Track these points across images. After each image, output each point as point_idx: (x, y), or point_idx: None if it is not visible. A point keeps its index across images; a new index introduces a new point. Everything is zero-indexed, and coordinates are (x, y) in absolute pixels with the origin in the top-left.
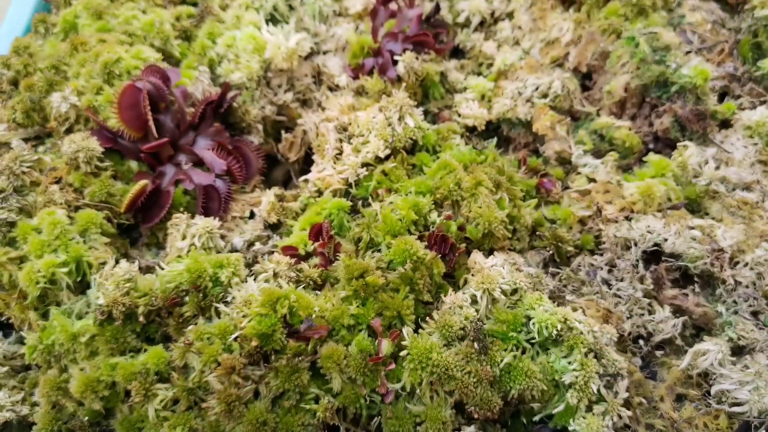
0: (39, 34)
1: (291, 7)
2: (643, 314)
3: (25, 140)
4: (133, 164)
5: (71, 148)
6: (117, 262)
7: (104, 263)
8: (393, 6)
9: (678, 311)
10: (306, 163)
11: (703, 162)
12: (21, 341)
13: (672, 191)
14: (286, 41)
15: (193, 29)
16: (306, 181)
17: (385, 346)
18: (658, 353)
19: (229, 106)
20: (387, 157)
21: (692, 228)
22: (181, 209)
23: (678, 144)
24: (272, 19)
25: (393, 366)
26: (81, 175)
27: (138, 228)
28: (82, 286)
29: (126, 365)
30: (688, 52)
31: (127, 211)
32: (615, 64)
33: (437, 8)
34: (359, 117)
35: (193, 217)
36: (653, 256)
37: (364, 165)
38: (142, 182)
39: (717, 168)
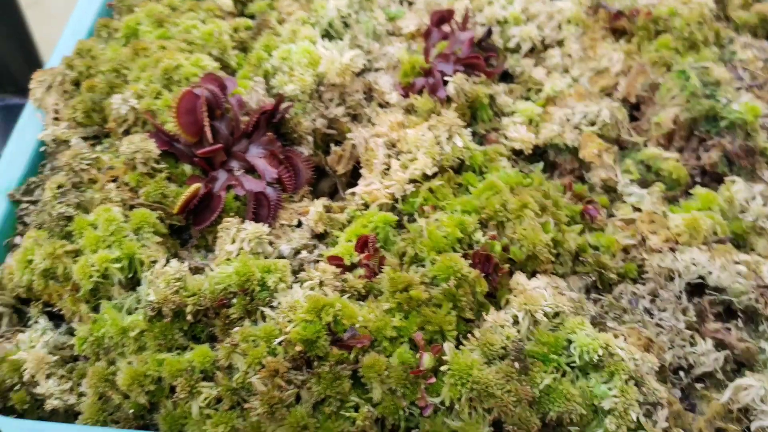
0: (101, 38)
1: (346, 24)
2: (684, 346)
3: (84, 139)
4: (187, 168)
5: (130, 149)
6: (167, 261)
7: (155, 261)
8: (446, 28)
9: (720, 345)
10: (353, 177)
11: (750, 198)
12: (70, 332)
13: (718, 225)
14: (340, 57)
15: (250, 41)
16: (353, 194)
17: (427, 359)
18: (699, 386)
19: (281, 116)
20: (434, 175)
21: (737, 263)
22: (232, 214)
23: (725, 179)
24: (327, 35)
25: (433, 380)
26: (137, 175)
27: (188, 230)
28: (132, 283)
29: (173, 362)
30: (738, 89)
31: (179, 212)
32: (664, 96)
33: (489, 33)
34: (408, 134)
35: (243, 222)
36: (697, 288)
37: (411, 181)
38: (195, 185)
39: (764, 204)
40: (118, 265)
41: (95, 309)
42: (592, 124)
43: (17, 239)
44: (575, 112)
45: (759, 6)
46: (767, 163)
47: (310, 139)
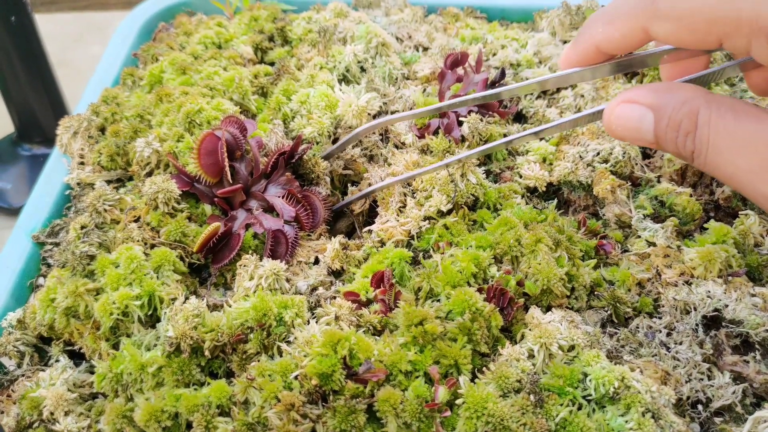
0: (126, 86)
1: (362, 69)
2: (702, 379)
3: (108, 182)
4: (207, 208)
5: (152, 189)
6: (187, 298)
7: (174, 299)
8: (460, 71)
9: (738, 378)
10: (370, 216)
11: (765, 232)
12: (90, 371)
13: (733, 258)
14: (356, 100)
15: (269, 86)
16: (369, 231)
17: (442, 393)
18: (718, 420)
19: (299, 157)
20: (449, 212)
21: (753, 295)
22: (250, 251)
23: (740, 213)
24: (344, 79)
25: (448, 413)
26: (159, 215)
27: (207, 268)
28: (152, 320)
29: (189, 397)
30: None
31: (199, 251)
32: None
33: (503, 74)
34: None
35: (261, 259)
36: (713, 321)
37: (427, 218)
38: (215, 225)
39: None
40: (138, 303)
41: (115, 346)
42: (605, 161)
43: (41, 280)
44: (588, 150)
45: None
46: None
47: (328, 179)
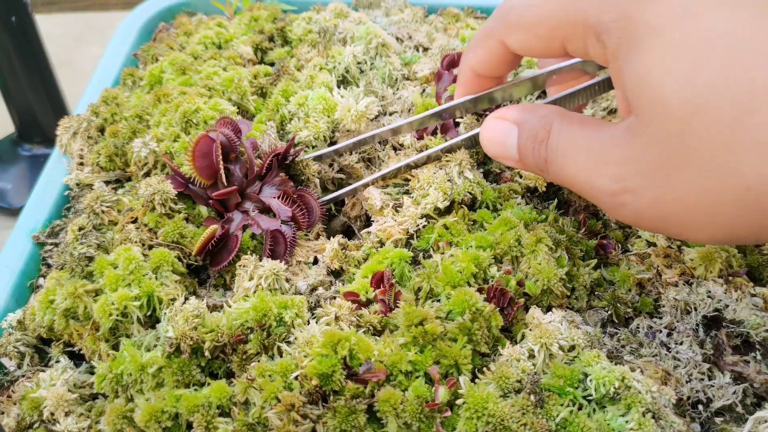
0: (126, 86)
1: (362, 71)
2: (702, 379)
3: (107, 183)
4: (203, 209)
5: (148, 191)
6: (186, 299)
7: (174, 299)
8: (456, 71)
9: (738, 378)
10: (368, 219)
11: None
12: (90, 371)
13: (733, 258)
14: (355, 104)
15: (269, 87)
16: (368, 233)
17: (442, 393)
18: (718, 419)
19: (293, 158)
20: (447, 210)
21: (754, 295)
22: (249, 252)
23: None
24: (344, 81)
25: (449, 413)
26: (156, 216)
27: (206, 269)
28: (151, 321)
29: (190, 397)
30: None
31: (198, 254)
32: None
33: None
34: (420, 173)
35: (260, 259)
36: (714, 321)
37: (424, 216)
38: (213, 227)
39: None
40: (137, 303)
41: (115, 347)
42: None
43: (41, 281)
44: None
45: None
46: None
47: (317, 181)
